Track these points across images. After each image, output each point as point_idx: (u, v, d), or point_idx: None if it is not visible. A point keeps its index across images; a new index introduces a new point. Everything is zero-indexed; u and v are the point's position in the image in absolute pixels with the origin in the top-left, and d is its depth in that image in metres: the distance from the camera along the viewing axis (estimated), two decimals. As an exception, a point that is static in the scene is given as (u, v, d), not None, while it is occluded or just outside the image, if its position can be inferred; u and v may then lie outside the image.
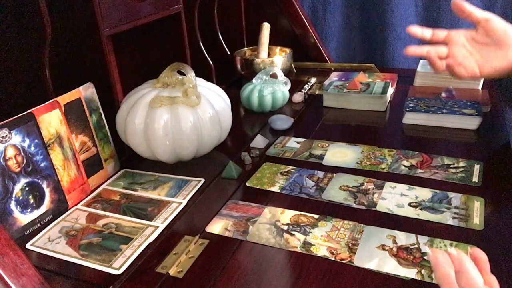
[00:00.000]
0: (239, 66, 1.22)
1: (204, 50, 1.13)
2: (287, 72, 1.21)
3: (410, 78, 1.15)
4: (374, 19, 1.40)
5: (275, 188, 0.73)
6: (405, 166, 0.77)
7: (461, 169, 0.75)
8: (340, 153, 0.83)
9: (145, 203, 0.72)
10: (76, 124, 0.75)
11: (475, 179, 0.72)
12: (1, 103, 0.82)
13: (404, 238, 0.60)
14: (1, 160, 0.63)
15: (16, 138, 0.65)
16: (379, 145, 0.85)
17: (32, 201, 0.67)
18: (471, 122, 0.89)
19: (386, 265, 0.55)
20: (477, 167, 0.75)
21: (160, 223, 0.67)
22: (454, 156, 0.79)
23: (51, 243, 0.64)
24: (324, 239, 0.61)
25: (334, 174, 0.76)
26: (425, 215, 0.64)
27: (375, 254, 0.57)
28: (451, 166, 0.76)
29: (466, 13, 0.70)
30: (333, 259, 0.57)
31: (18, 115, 0.65)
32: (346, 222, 0.64)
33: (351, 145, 0.86)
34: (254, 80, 1.05)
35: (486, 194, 0.68)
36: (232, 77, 1.28)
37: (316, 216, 0.66)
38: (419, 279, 0.53)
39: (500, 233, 0.61)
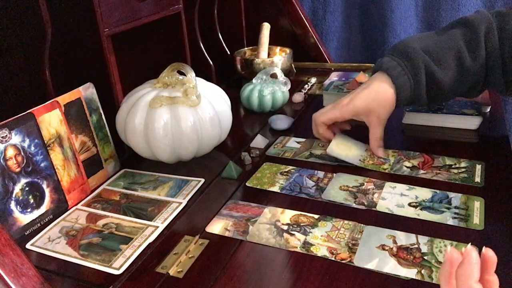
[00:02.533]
0: (239, 66, 1.22)
1: (204, 50, 1.13)
2: (287, 72, 1.20)
3: (410, 78, 1.15)
4: (374, 19, 1.40)
5: (275, 188, 0.73)
6: (407, 167, 0.77)
7: (463, 170, 0.75)
8: (345, 146, 0.82)
9: (145, 203, 0.72)
10: (76, 124, 0.75)
11: (477, 179, 0.72)
12: (1, 103, 0.82)
13: (404, 238, 0.60)
14: (1, 160, 0.63)
15: (16, 138, 0.65)
16: (379, 145, 0.84)
17: (32, 201, 0.67)
18: (471, 122, 0.89)
19: (386, 265, 0.55)
20: (478, 167, 0.75)
21: (160, 223, 0.67)
22: (455, 156, 0.79)
23: (51, 243, 0.64)
24: (324, 239, 0.61)
25: (334, 174, 0.76)
26: (425, 215, 0.64)
27: (375, 254, 0.57)
28: (453, 166, 0.76)
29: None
30: (333, 259, 0.57)
31: (18, 115, 0.65)
32: (346, 222, 0.64)
33: (357, 141, 0.84)
34: (254, 80, 1.05)
35: (488, 194, 0.68)
36: (232, 77, 1.28)
37: (316, 216, 0.66)
38: (419, 279, 0.53)
39: (500, 233, 0.61)
